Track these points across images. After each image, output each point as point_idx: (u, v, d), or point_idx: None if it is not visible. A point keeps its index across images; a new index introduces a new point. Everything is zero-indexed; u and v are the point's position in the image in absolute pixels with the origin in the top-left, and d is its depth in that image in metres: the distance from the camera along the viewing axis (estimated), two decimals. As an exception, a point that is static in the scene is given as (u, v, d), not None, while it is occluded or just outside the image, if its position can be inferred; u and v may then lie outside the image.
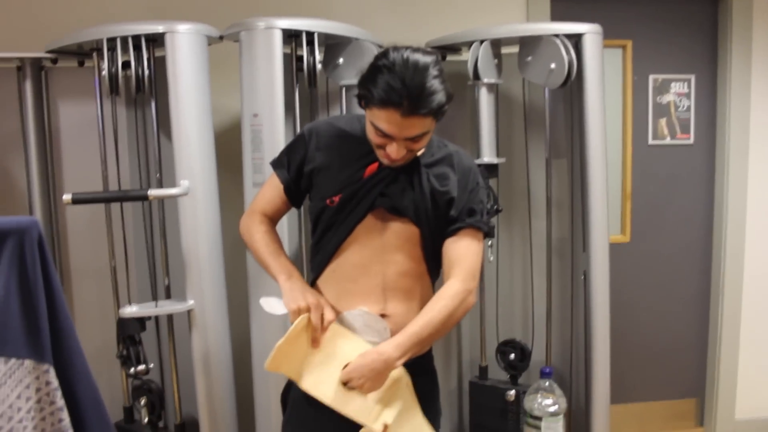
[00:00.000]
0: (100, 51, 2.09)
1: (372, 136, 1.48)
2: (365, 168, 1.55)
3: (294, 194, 1.66)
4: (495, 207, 2.43)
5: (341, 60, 2.29)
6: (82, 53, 2.30)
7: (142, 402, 2.27)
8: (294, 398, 1.63)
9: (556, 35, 2.28)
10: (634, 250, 3.04)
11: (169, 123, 2.09)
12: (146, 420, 2.28)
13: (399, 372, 1.51)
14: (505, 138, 2.59)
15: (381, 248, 1.56)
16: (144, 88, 2.13)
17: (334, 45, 2.30)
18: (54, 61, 2.33)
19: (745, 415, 3.10)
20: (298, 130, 2.21)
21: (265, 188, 1.69)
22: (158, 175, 2.26)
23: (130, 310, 2.11)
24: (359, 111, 1.52)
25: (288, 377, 1.58)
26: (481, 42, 2.33)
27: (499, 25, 2.43)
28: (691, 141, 3.02)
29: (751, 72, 2.92)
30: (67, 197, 1.91)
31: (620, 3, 2.91)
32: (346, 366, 1.49)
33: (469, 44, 2.37)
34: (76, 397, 1.33)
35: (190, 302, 2.13)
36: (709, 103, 3.01)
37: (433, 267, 1.62)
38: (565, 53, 2.25)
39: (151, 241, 2.35)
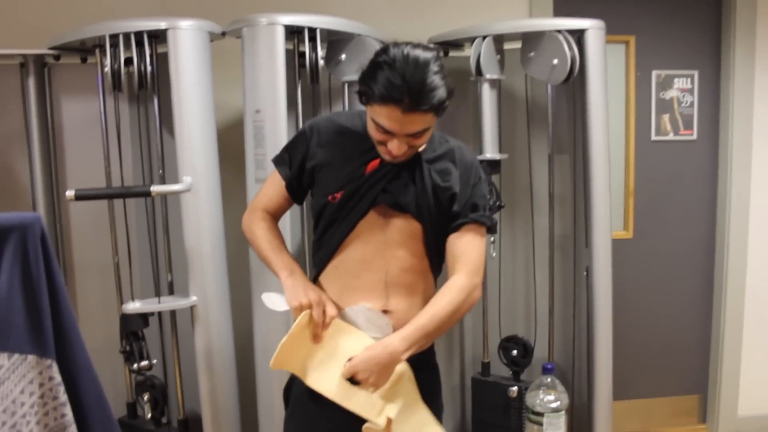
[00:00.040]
0: (102, 47, 2.10)
1: (373, 133, 1.48)
2: (367, 164, 1.55)
3: (296, 191, 1.66)
4: (497, 203, 2.43)
5: (343, 56, 2.29)
6: (84, 50, 2.31)
7: (145, 398, 2.28)
8: (296, 394, 1.63)
9: (559, 31, 2.27)
10: (637, 246, 3.03)
11: (171, 119, 2.09)
12: (149, 416, 2.29)
13: (402, 367, 1.51)
14: (508, 134, 2.59)
15: (383, 244, 1.56)
16: (146, 85, 2.14)
17: (336, 41, 2.30)
18: (57, 57, 2.33)
19: (748, 411, 3.10)
20: (301, 126, 2.20)
21: (266, 185, 1.69)
22: (161, 171, 2.26)
23: (133, 306, 2.11)
24: (361, 107, 1.52)
25: (292, 374, 1.59)
26: (484, 38, 2.33)
27: (501, 20, 2.43)
28: (695, 137, 3.02)
29: (755, 68, 2.91)
30: (70, 193, 1.92)
31: (623, -2, 2.91)
32: (349, 361, 1.49)
33: (472, 40, 2.36)
34: (79, 392, 1.33)
35: (193, 298, 2.14)
36: (713, 99, 3.00)
37: (436, 263, 1.62)
38: (568, 49, 2.24)
39: (154, 237, 2.35)
